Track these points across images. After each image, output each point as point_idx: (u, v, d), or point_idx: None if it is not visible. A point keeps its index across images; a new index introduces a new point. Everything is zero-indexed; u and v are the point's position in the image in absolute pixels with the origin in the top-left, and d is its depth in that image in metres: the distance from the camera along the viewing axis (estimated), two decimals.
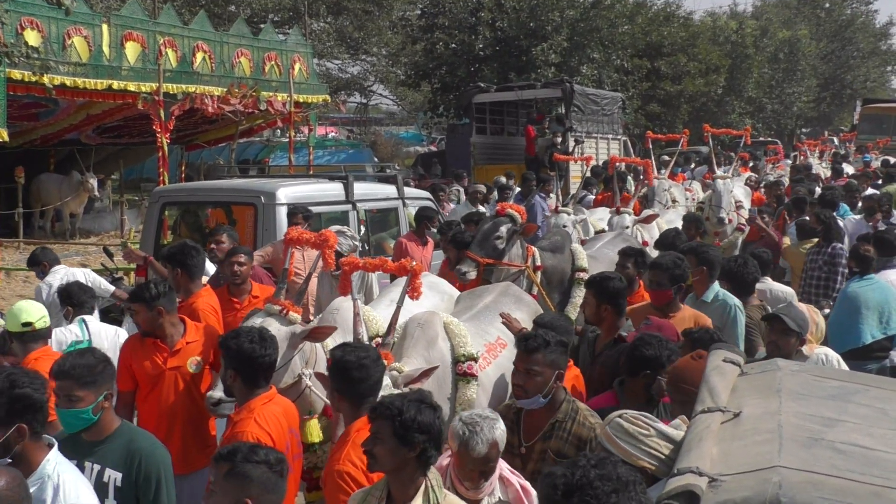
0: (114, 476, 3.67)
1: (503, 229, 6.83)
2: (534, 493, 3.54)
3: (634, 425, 3.06)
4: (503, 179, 14.24)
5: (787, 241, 9.91)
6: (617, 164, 13.18)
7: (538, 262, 7.01)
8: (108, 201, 21.08)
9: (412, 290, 4.85)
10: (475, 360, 4.90)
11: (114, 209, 20.11)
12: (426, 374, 4.37)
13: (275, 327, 4.60)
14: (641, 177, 13.40)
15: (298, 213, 7.75)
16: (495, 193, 13.50)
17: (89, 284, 7.76)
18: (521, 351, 4.02)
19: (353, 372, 3.78)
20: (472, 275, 6.64)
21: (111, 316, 8.36)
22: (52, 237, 17.28)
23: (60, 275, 7.63)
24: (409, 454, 3.22)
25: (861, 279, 7.12)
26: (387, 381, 4.16)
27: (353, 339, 4.48)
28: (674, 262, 5.49)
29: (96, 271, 8.94)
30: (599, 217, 10.67)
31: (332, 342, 4.86)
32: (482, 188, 13.17)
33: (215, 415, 4.68)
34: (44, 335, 5.01)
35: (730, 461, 2.60)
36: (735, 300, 5.85)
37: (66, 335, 5.83)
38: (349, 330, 4.92)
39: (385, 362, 4.22)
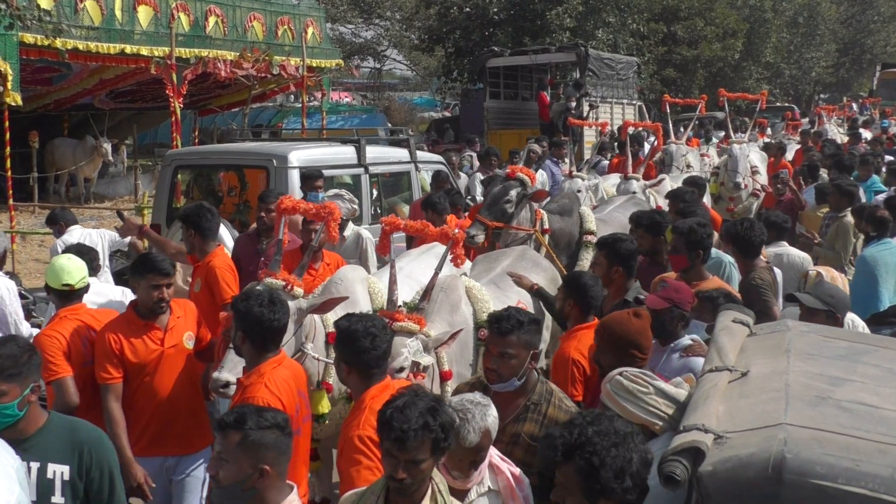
0: (59, 470, 3.42)
1: (513, 193, 6.81)
2: (525, 480, 3.45)
3: (634, 383, 3.09)
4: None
5: None
6: (630, 128, 13.01)
7: (546, 226, 7.03)
8: (121, 166, 21.15)
9: (455, 258, 4.79)
10: None
11: (128, 174, 20.17)
12: (454, 336, 4.32)
13: None
14: (654, 141, 13.26)
15: (319, 177, 7.75)
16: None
17: (105, 243, 7.86)
18: (493, 334, 3.77)
19: (362, 341, 3.67)
20: (481, 238, 6.64)
21: (124, 278, 8.41)
22: (66, 202, 17.36)
23: (76, 235, 7.70)
24: (438, 460, 3.05)
25: (878, 243, 7.01)
26: (417, 345, 4.20)
27: (387, 302, 4.42)
28: (690, 227, 5.37)
29: None
30: (613, 182, 10.61)
31: (332, 315, 4.80)
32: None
33: (222, 397, 4.60)
34: (81, 294, 5.00)
35: (736, 419, 2.61)
36: (728, 258, 5.88)
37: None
38: (352, 302, 4.86)
39: (417, 327, 4.25)
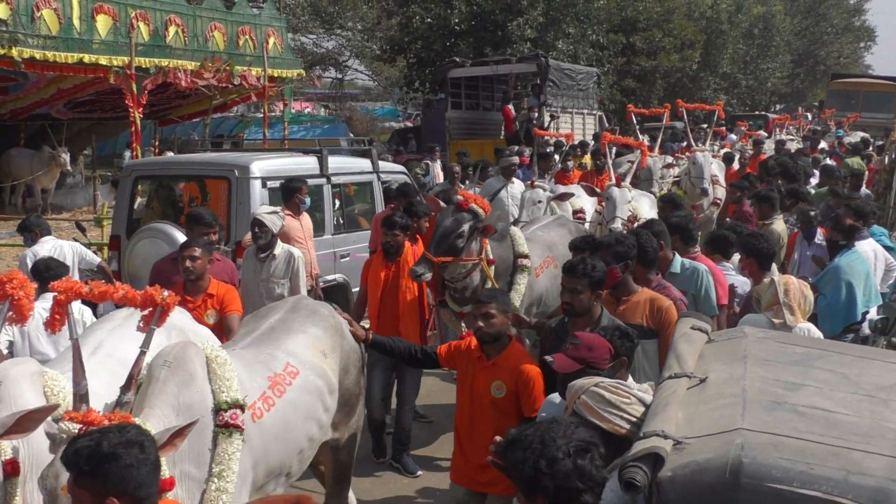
0: None
1: (465, 227, 6.29)
2: None
3: (616, 394, 3.08)
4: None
5: None
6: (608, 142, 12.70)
7: (490, 256, 6.62)
8: (80, 177, 20.91)
9: (159, 321, 3.59)
10: (241, 407, 3.89)
11: (86, 185, 19.94)
12: (180, 434, 3.15)
13: None
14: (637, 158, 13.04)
15: (302, 185, 7.81)
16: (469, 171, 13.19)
17: (75, 256, 7.75)
18: None
19: (125, 456, 2.70)
20: (428, 276, 6.20)
21: None
22: (23, 213, 17.11)
23: (48, 247, 7.58)
24: None
25: (848, 252, 7.03)
26: None
27: (73, 398, 3.27)
28: (616, 238, 5.16)
29: None
30: (576, 194, 10.56)
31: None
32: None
33: None
34: None
35: (694, 424, 2.66)
36: (703, 266, 5.88)
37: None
38: (17, 404, 3.51)
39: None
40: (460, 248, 6.25)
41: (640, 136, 13.82)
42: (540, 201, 9.34)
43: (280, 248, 6.94)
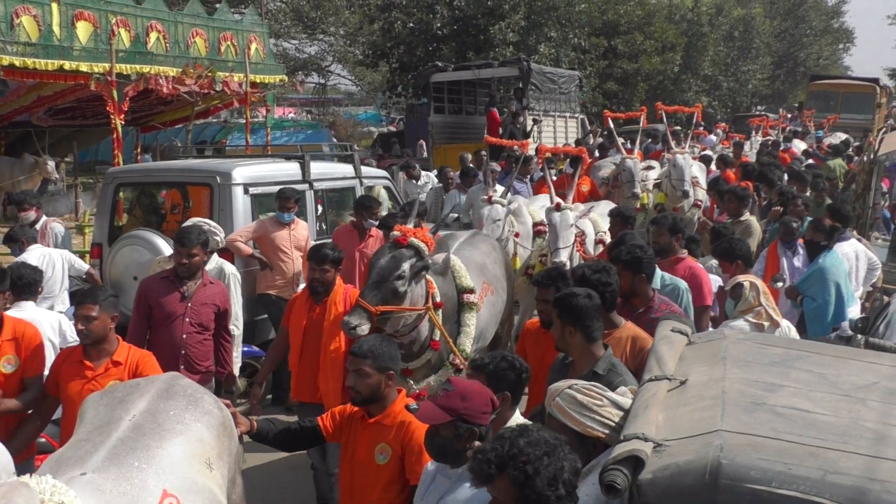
0: None
1: (405, 267, 5.15)
2: None
3: (588, 396, 3.10)
4: (468, 157, 13.62)
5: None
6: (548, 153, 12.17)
7: (437, 299, 5.50)
8: (62, 184, 20.81)
9: None
10: None
11: (68, 192, 19.84)
12: None
13: None
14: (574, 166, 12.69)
15: (291, 198, 7.79)
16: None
17: (65, 264, 7.71)
18: None
19: None
20: (365, 329, 4.94)
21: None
22: (3, 221, 17.01)
23: (36, 254, 7.54)
24: None
25: (829, 253, 7.12)
26: None
27: None
28: (600, 282, 4.44)
29: None
30: (541, 205, 10.15)
31: None
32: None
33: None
34: None
35: (675, 427, 2.68)
36: (684, 284, 5.83)
37: None
38: None
39: None
40: (402, 292, 5.14)
41: (618, 140, 13.81)
42: (499, 219, 8.22)
43: (213, 262, 6.78)
